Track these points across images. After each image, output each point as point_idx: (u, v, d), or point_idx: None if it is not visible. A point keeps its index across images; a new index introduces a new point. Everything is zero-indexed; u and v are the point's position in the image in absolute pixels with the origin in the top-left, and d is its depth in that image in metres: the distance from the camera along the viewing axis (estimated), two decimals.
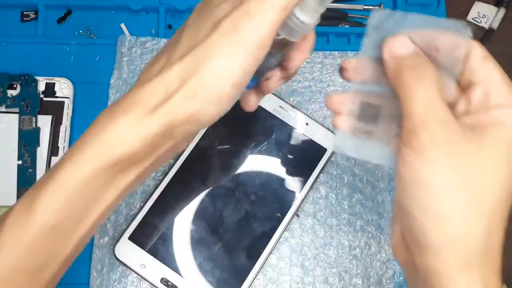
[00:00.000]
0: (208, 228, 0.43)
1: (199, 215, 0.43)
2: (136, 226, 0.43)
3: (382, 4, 0.51)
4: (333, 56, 0.49)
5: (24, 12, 0.50)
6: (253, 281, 0.42)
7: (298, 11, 0.26)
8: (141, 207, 0.43)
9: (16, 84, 0.46)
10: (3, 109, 0.46)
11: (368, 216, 0.45)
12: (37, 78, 0.47)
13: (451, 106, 0.26)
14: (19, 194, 0.44)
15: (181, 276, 0.42)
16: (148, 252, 0.42)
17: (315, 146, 0.45)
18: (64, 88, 0.47)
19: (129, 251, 0.42)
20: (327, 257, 0.44)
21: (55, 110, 0.46)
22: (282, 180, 0.45)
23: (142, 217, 0.43)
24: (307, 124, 0.46)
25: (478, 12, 0.52)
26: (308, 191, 0.44)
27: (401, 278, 0.44)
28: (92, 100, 0.47)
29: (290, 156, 0.45)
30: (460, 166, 0.24)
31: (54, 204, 0.27)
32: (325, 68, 0.49)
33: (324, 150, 0.45)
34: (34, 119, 0.46)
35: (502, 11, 0.51)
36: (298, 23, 0.27)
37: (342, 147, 0.29)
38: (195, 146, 0.45)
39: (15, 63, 0.48)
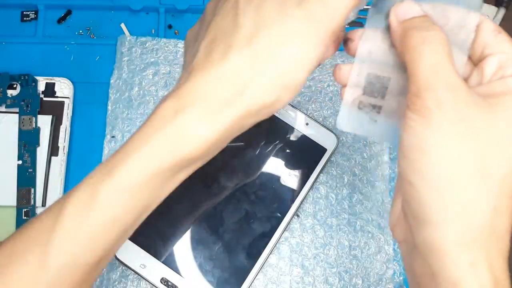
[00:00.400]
0: (208, 228, 0.43)
1: (199, 215, 0.43)
2: None
3: None
4: (333, 56, 0.49)
5: (24, 12, 0.50)
6: (253, 281, 0.42)
7: None
8: None
9: (16, 84, 0.46)
10: (3, 109, 0.46)
11: (368, 216, 0.45)
12: (37, 78, 0.47)
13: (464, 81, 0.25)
14: (19, 194, 0.44)
15: (181, 276, 0.42)
16: (148, 252, 0.42)
17: (315, 146, 0.45)
18: (64, 88, 0.47)
19: (129, 251, 0.42)
20: (327, 257, 0.44)
21: (55, 110, 0.46)
22: (282, 180, 0.45)
23: None
24: (307, 124, 0.46)
25: None
26: (308, 191, 0.44)
27: (401, 278, 0.44)
28: (92, 100, 0.47)
29: (290, 156, 0.45)
30: (466, 133, 0.22)
31: (115, 199, 0.26)
32: (325, 67, 0.49)
33: (324, 150, 0.45)
34: (34, 119, 0.45)
35: (502, 11, 0.51)
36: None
37: (346, 124, 0.28)
38: None
39: (15, 63, 0.48)
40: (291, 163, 0.45)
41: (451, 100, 0.22)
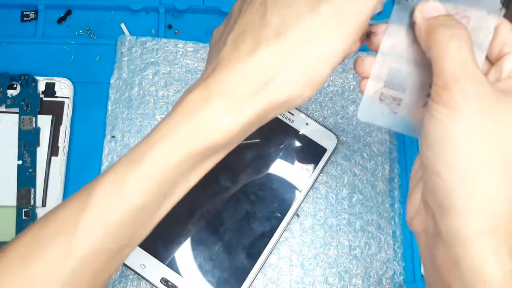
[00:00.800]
0: (208, 228, 0.43)
1: (199, 215, 0.43)
2: None
3: None
4: None
5: (24, 12, 0.50)
6: (253, 281, 0.42)
7: None
8: None
9: (16, 84, 0.46)
10: (3, 109, 0.46)
11: (368, 216, 0.45)
12: (37, 78, 0.47)
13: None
14: (19, 194, 0.44)
15: (181, 276, 0.42)
16: (148, 252, 0.42)
17: (315, 146, 0.45)
18: (64, 88, 0.47)
19: None
20: (327, 257, 0.44)
21: (55, 110, 0.46)
22: (282, 180, 0.45)
23: None
24: (307, 124, 0.46)
25: None
26: (308, 191, 0.44)
27: (401, 278, 0.44)
28: (92, 100, 0.47)
29: (289, 156, 0.45)
30: (490, 125, 0.23)
31: (144, 186, 0.26)
32: None
33: (324, 150, 0.45)
34: (34, 119, 0.46)
35: (502, 11, 0.51)
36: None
37: (367, 114, 0.29)
38: None
39: (15, 63, 0.48)
40: (291, 163, 0.45)
41: (477, 93, 0.23)
